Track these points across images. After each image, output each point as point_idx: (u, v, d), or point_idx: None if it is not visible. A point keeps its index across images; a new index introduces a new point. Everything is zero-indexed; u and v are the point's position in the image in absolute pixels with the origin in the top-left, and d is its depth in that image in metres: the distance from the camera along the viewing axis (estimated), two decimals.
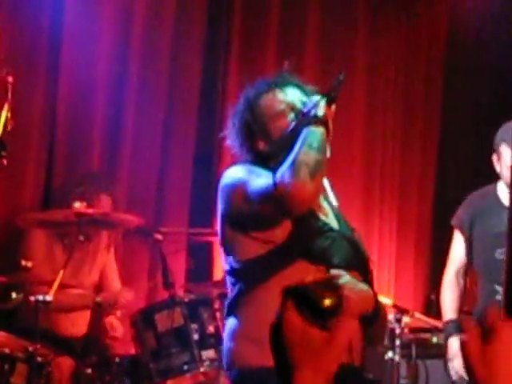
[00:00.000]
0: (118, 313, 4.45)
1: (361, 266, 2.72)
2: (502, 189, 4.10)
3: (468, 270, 4.23)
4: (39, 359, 3.80)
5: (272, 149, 2.71)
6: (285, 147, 2.64)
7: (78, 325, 4.52)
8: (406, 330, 4.59)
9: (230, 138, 2.81)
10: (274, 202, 2.55)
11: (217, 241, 5.09)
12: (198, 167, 5.33)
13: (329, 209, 2.81)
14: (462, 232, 4.18)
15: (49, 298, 3.80)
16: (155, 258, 4.83)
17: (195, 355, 4.03)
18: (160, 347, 4.06)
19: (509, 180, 3.96)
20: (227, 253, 2.74)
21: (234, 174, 2.72)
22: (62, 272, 3.91)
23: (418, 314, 4.79)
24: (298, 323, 1.31)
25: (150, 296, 4.92)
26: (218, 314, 4.17)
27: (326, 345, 1.31)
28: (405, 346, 4.59)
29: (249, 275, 2.67)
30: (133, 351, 4.25)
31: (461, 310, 4.23)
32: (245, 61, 5.47)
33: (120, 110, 5.03)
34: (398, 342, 4.43)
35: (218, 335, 4.07)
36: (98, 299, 4.41)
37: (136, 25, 5.09)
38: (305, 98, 2.74)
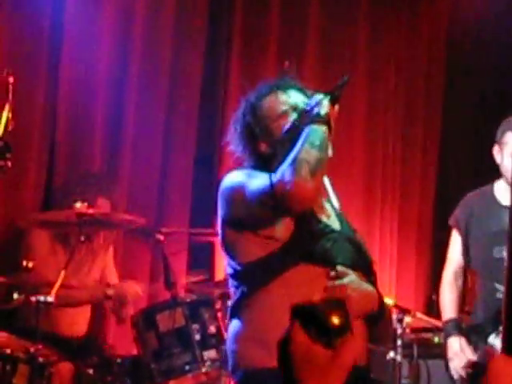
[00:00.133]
0: (131, 309, 4.43)
1: (364, 268, 2.72)
2: (498, 189, 4.13)
3: (468, 269, 4.23)
4: (41, 360, 3.80)
5: (274, 149, 2.71)
6: (286, 145, 2.63)
7: (78, 324, 4.52)
8: (407, 330, 4.59)
9: (233, 143, 2.80)
10: (273, 201, 2.55)
11: (218, 241, 5.13)
12: (198, 167, 5.33)
13: (331, 210, 2.80)
14: (460, 232, 4.20)
15: (50, 298, 3.79)
16: (156, 258, 4.83)
17: (197, 355, 4.02)
18: (161, 347, 4.06)
19: (509, 167, 3.97)
20: (229, 256, 2.74)
21: (232, 178, 2.73)
22: (63, 272, 3.91)
23: (419, 314, 4.79)
24: (304, 341, 1.35)
25: (152, 296, 4.91)
26: (219, 315, 4.17)
27: (330, 363, 1.35)
28: (406, 346, 4.58)
29: (251, 278, 2.67)
30: (134, 351, 4.24)
31: (462, 310, 4.24)
32: (246, 60, 5.47)
33: (120, 110, 5.03)
34: (399, 342, 4.42)
35: (219, 335, 4.07)
36: (110, 292, 4.40)
37: (136, 25, 5.09)
38: (307, 100, 2.73)
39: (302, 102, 2.73)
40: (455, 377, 4.09)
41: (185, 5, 5.29)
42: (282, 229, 2.63)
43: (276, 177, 2.56)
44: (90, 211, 4.10)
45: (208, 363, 4.03)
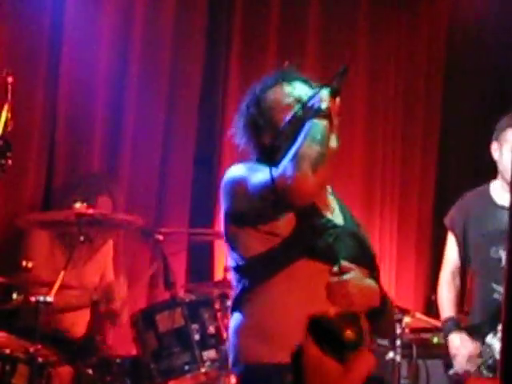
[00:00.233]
0: (118, 304, 4.44)
1: (367, 263, 2.72)
2: (495, 189, 4.14)
3: (465, 269, 4.24)
4: (40, 360, 3.79)
5: (278, 141, 2.69)
6: (289, 137, 2.62)
7: (78, 324, 4.52)
8: (406, 330, 4.60)
9: (237, 135, 2.79)
10: (274, 196, 2.55)
11: (217, 241, 5.14)
12: (198, 167, 5.33)
13: (335, 204, 2.80)
14: (455, 233, 4.20)
15: (49, 298, 3.79)
16: (156, 258, 4.82)
17: (196, 356, 4.02)
18: (161, 348, 4.06)
19: (509, 161, 3.98)
20: (232, 250, 2.74)
21: (234, 171, 2.72)
22: (62, 273, 3.91)
23: (418, 315, 4.79)
24: (316, 354, 1.34)
25: (151, 296, 4.91)
26: (218, 315, 4.17)
27: (342, 377, 1.34)
28: (405, 346, 4.59)
29: (253, 272, 2.66)
30: (134, 352, 4.24)
31: (460, 311, 4.24)
32: (246, 60, 5.47)
33: (120, 110, 5.03)
34: (398, 342, 4.43)
35: (218, 335, 4.08)
36: (95, 297, 4.42)
37: (136, 25, 5.09)
38: (311, 93, 2.72)
39: (306, 94, 2.72)
40: (460, 372, 4.07)
41: (185, 5, 5.29)
42: (284, 224, 2.62)
43: (277, 172, 2.55)
44: (90, 211, 4.10)
45: (207, 363, 4.03)
